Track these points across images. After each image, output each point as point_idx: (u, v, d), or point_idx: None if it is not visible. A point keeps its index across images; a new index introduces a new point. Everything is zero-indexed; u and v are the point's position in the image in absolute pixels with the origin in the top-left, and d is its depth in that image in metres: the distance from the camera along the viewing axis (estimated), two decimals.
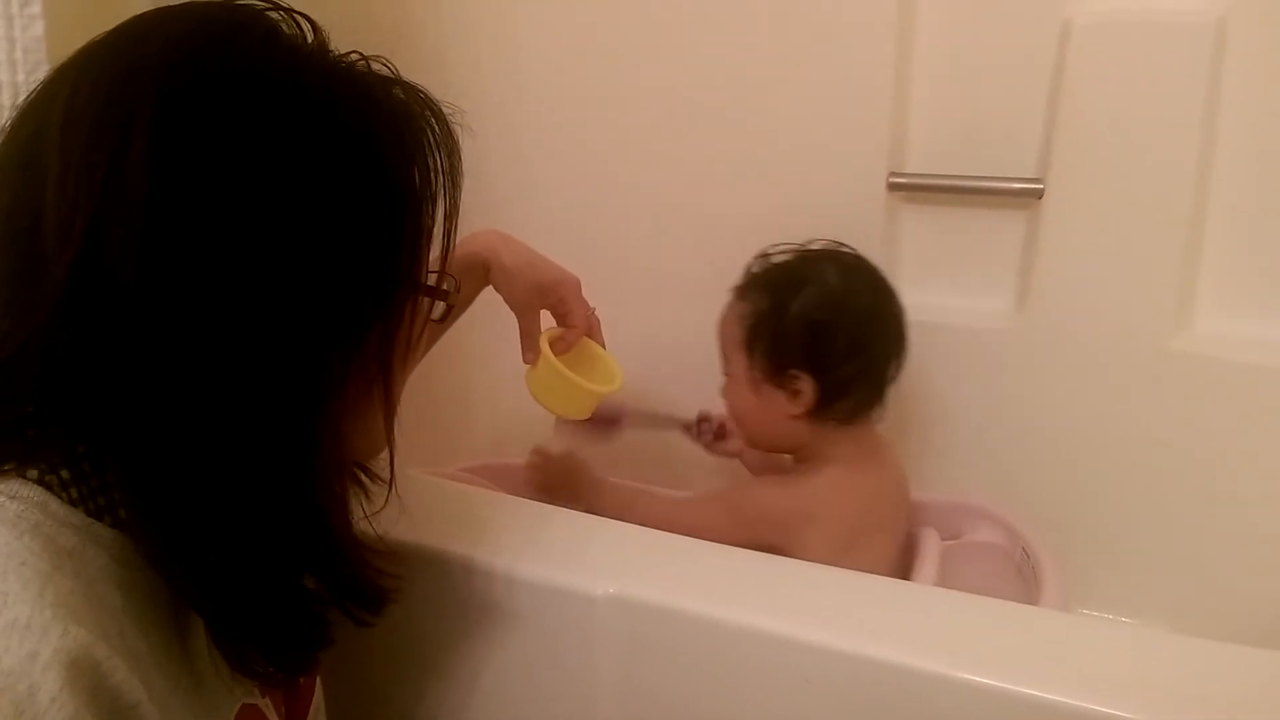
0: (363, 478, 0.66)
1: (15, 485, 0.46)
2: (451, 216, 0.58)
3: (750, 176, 1.31)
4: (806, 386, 1.01)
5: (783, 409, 1.03)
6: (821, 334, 1.02)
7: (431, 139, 0.56)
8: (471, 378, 1.02)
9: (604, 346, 1.06)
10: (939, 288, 1.30)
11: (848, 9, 1.21)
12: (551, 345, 1.00)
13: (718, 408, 1.15)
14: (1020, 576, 1.10)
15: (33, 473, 0.47)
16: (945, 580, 1.04)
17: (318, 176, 0.49)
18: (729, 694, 0.71)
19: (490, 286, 0.99)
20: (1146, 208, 1.14)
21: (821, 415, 1.03)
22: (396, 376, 0.57)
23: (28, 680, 0.40)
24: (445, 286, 0.61)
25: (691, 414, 1.24)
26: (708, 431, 1.23)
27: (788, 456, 1.14)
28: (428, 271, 0.59)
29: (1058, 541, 1.10)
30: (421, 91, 0.57)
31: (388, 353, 0.56)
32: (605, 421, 1.17)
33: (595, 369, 1.04)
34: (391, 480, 0.62)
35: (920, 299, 1.29)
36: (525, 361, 1.00)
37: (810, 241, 1.09)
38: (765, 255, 1.09)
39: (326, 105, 0.50)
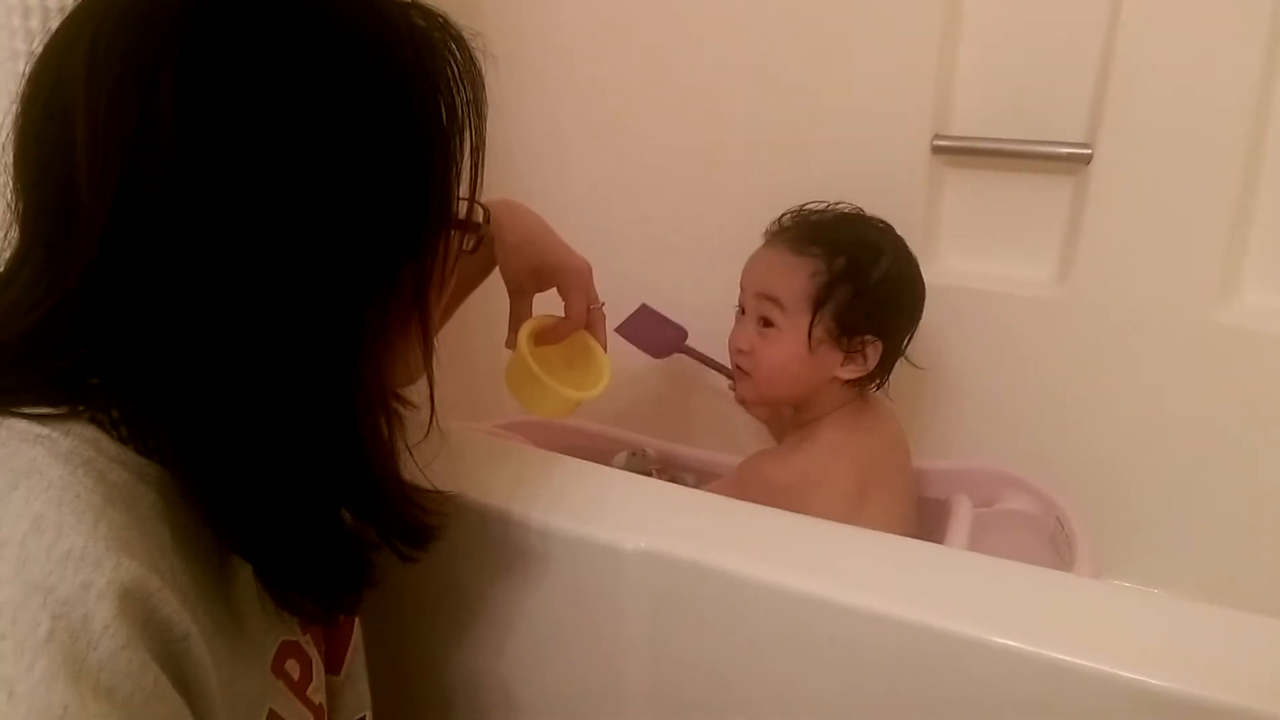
0: (398, 408, 0.67)
1: (69, 423, 0.47)
2: (478, 148, 0.57)
3: (794, 138, 1.30)
4: (874, 353, 1.03)
5: (830, 370, 1.04)
6: (898, 304, 1.04)
7: (455, 69, 0.55)
8: (504, 335, 1.02)
9: (604, 343, 0.98)
10: (981, 254, 1.29)
11: None
12: (539, 335, 0.93)
13: None
14: (1053, 546, 1.09)
15: (85, 411, 0.48)
16: (976, 547, 1.04)
17: (346, 112, 0.49)
18: (756, 651, 0.72)
19: None
20: (1196, 176, 1.12)
21: (868, 380, 1.05)
22: (432, 310, 0.58)
23: (83, 609, 0.41)
24: (475, 219, 0.61)
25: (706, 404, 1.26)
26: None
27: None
28: (458, 203, 0.59)
29: (1093, 512, 1.09)
30: (440, 17, 0.56)
31: (423, 287, 0.56)
32: (664, 339, 1.17)
33: (586, 367, 0.97)
34: (433, 413, 0.62)
35: (962, 265, 1.28)
36: (506, 346, 0.94)
37: (837, 203, 1.10)
38: (806, 211, 1.09)
39: (350, 39, 0.50)
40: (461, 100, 0.55)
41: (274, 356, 0.49)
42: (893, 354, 1.06)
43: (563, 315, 0.95)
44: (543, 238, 0.93)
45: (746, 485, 1.07)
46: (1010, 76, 1.21)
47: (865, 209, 1.09)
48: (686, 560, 0.72)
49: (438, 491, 0.66)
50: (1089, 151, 1.16)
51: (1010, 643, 0.62)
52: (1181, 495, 1.20)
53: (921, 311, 1.08)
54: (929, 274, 1.24)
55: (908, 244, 1.08)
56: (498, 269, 0.95)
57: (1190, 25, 1.09)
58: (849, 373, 1.03)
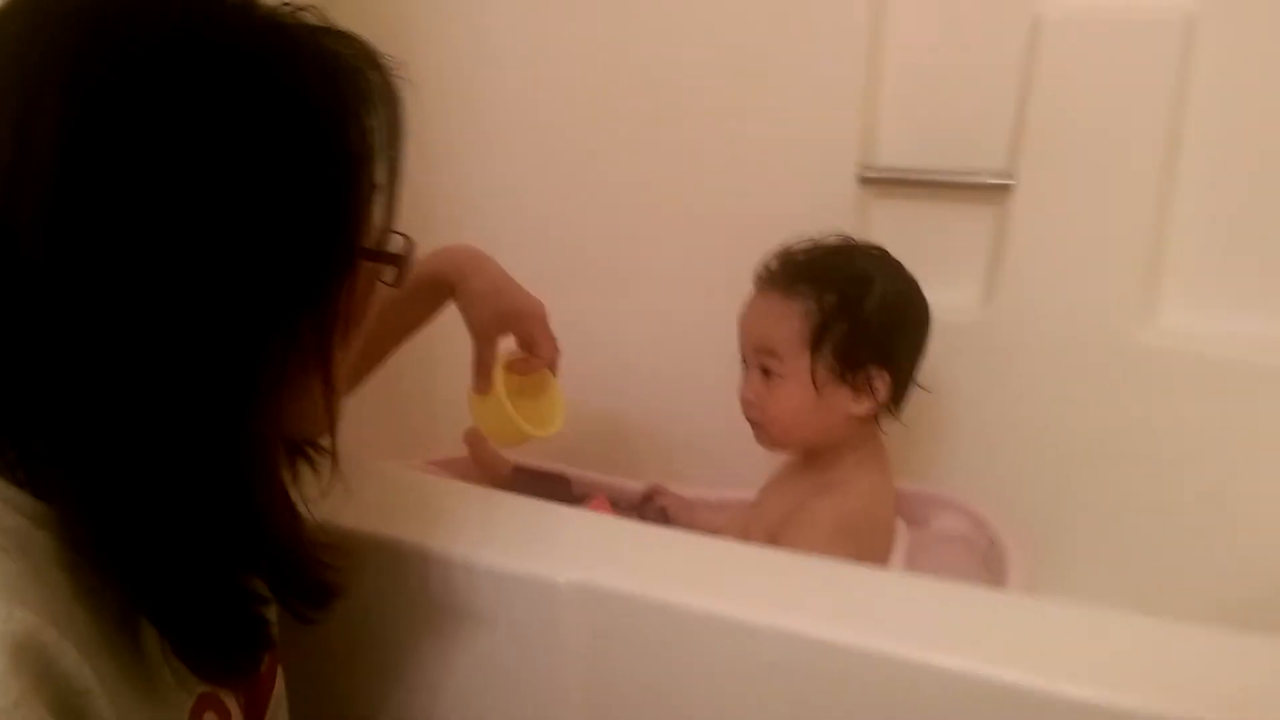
0: (311, 453, 0.64)
1: None
2: (394, 177, 0.54)
3: (721, 170, 1.31)
4: (882, 384, 1.00)
5: (844, 408, 1.01)
6: (899, 329, 1.02)
7: (368, 94, 0.52)
8: (437, 372, 1.00)
9: (555, 377, 1.04)
10: None
11: (819, 3, 1.21)
12: (509, 366, 0.99)
13: (710, 400, 1.14)
14: (986, 566, 1.10)
15: None
16: (912, 568, 1.05)
17: (242, 142, 0.46)
18: (695, 680, 0.71)
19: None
20: (1114, 203, 1.15)
21: (885, 412, 1.02)
22: (337, 353, 0.54)
23: None
24: (395, 250, 0.57)
25: (637, 483, 1.24)
26: (651, 512, 1.22)
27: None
28: (373, 236, 0.55)
29: (1024, 532, 1.10)
30: (357, 42, 0.53)
31: (326, 329, 0.52)
32: (546, 478, 1.17)
33: (541, 402, 1.04)
34: (334, 461, 0.59)
35: None
36: (476, 390, 0.98)
37: (825, 235, 1.07)
38: (790, 250, 1.06)
39: (249, 61, 0.47)
40: (375, 127, 0.52)
41: (160, 399, 0.46)
42: (904, 381, 1.04)
43: (516, 349, 1.01)
44: (505, 284, 0.96)
45: (812, 530, 1.00)
46: (933, 108, 1.24)
47: (792, 240, 1.08)
48: (622, 591, 0.71)
49: (339, 546, 0.61)
50: (1011, 181, 1.19)
51: (951, 663, 0.62)
52: (1107, 512, 1.22)
53: (927, 332, 1.05)
54: None
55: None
56: (452, 308, 0.97)
57: (1104, 60, 1.12)
58: (861, 408, 1.01)
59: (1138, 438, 1.19)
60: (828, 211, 1.24)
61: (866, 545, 1.01)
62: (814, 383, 1.00)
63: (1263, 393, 1.12)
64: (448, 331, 1.00)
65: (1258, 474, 1.12)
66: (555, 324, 1.00)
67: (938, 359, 1.23)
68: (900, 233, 1.28)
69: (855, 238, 1.08)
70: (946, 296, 1.27)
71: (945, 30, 1.21)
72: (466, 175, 1.41)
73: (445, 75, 1.36)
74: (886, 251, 1.07)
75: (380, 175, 0.53)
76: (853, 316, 0.99)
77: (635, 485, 1.31)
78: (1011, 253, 1.21)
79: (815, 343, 0.99)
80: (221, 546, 0.51)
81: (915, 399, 1.26)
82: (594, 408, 1.20)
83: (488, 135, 1.40)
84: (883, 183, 1.26)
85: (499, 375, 0.97)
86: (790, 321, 1.01)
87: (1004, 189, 1.20)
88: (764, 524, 1.07)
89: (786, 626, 0.67)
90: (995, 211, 1.24)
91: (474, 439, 1.22)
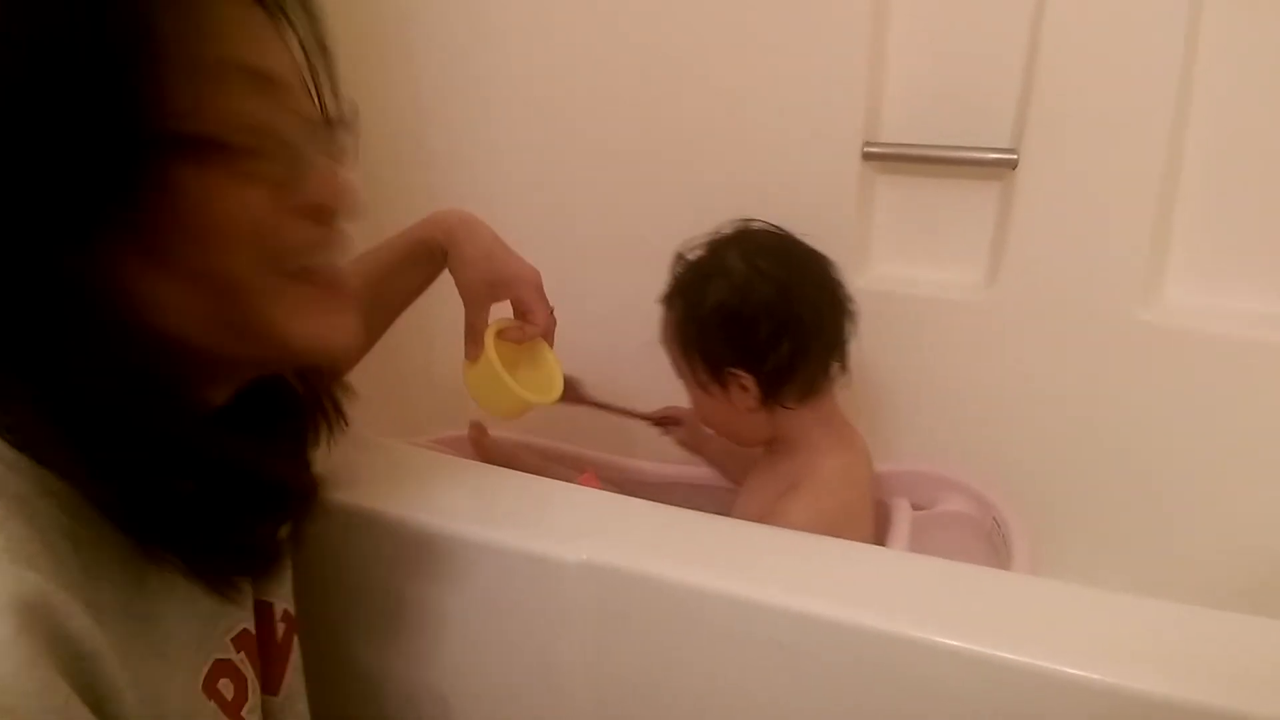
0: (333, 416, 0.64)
1: None
2: (258, 52, 0.48)
3: (724, 145, 1.30)
4: (747, 381, 0.98)
5: (737, 406, 1.01)
6: (738, 324, 0.97)
7: None
8: (437, 349, 1.00)
9: (551, 346, 1.03)
10: (912, 259, 1.30)
11: None
12: (501, 334, 0.97)
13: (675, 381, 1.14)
14: (991, 545, 1.10)
15: None
16: (917, 549, 1.05)
17: None
18: (702, 659, 0.71)
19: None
20: (1119, 179, 1.14)
21: (774, 403, 1.00)
22: (219, 260, 0.49)
23: None
24: (244, 138, 0.49)
25: (649, 408, 1.24)
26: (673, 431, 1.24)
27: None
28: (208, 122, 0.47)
29: (1027, 511, 1.11)
30: None
31: (146, 228, 0.47)
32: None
33: (537, 370, 1.02)
34: (338, 410, 0.58)
35: (893, 270, 1.30)
36: (468, 357, 0.96)
37: (721, 227, 1.05)
38: (681, 256, 1.05)
39: None
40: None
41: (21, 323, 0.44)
42: (786, 367, 0.97)
43: (512, 318, 0.98)
44: (498, 249, 0.94)
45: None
46: (938, 83, 1.23)
47: (797, 217, 1.06)
48: (630, 571, 0.71)
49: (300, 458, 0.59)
50: (1015, 156, 1.18)
51: (956, 643, 0.63)
52: (1111, 491, 1.22)
53: (795, 317, 0.97)
54: (863, 280, 1.25)
55: (804, 247, 1.02)
56: (452, 282, 0.95)
57: (1110, 33, 1.11)
58: (747, 403, 0.99)
59: (1142, 415, 1.19)
60: (831, 187, 1.24)
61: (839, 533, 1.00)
62: (702, 387, 1.02)
63: (1268, 370, 1.12)
64: (447, 308, 1.00)
65: (1263, 451, 1.12)
66: (553, 299, 1.00)
67: (943, 338, 1.23)
68: (904, 210, 1.29)
69: (752, 222, 1.05)
70: (951, 275, 1.28)
71: (950, 3, 1.20)
72: (467, 148, 1.40)
73: (447, 50, 1.35)
74: (768, 233, 1.03)
75: (213, 50, 0.47)
76: (698, 323, 0.99)
77: (628, 462, 1.31)
78: (1016, 230, 1.21)
79: (685, 353, 1.02)
80: (169, 455, 0.49)
81: (922, 380, 1.26)
82: (589, 382, 1.20)
83: (488, 107, 1.39)
84: (887, 158, 1.26)
85: (490, 341, 0.94)
86: (669, 335, 1.04)
87: (1008, 165, 1.19)
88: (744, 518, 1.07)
89: (792, 605, 0.67)
90: (1000, 188, 1.23)
91: (478, 431, 1.22)
